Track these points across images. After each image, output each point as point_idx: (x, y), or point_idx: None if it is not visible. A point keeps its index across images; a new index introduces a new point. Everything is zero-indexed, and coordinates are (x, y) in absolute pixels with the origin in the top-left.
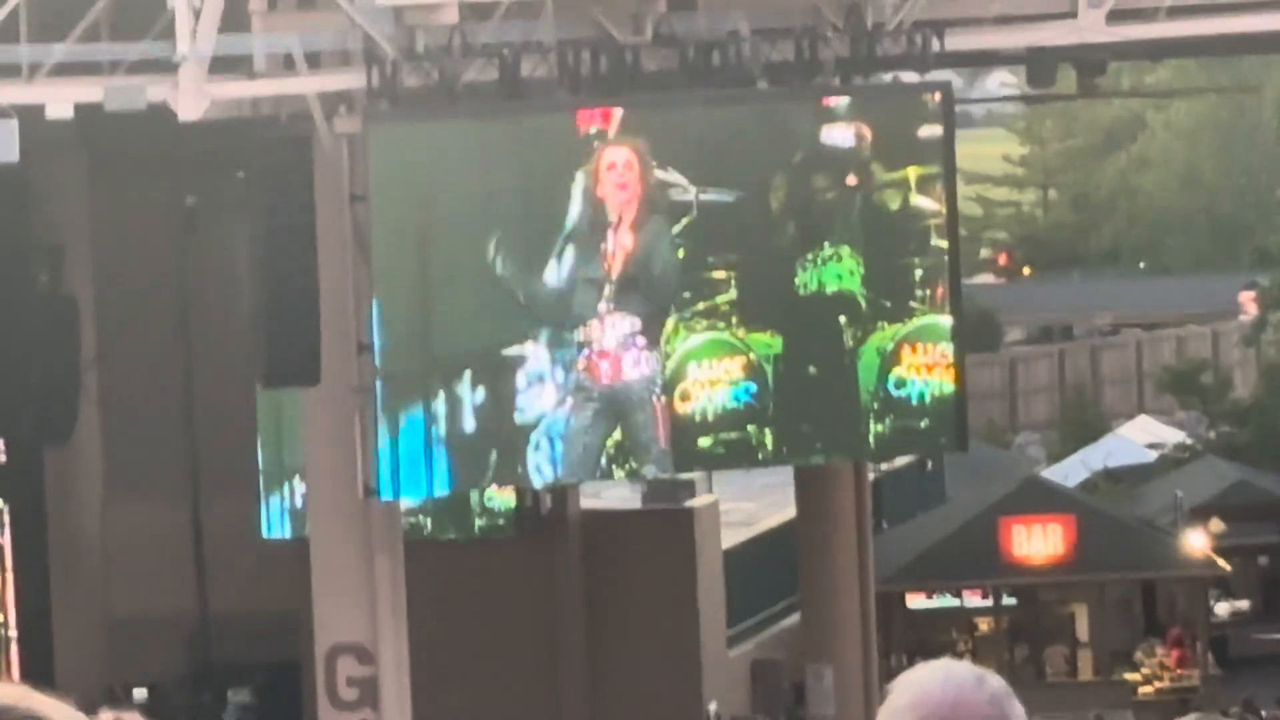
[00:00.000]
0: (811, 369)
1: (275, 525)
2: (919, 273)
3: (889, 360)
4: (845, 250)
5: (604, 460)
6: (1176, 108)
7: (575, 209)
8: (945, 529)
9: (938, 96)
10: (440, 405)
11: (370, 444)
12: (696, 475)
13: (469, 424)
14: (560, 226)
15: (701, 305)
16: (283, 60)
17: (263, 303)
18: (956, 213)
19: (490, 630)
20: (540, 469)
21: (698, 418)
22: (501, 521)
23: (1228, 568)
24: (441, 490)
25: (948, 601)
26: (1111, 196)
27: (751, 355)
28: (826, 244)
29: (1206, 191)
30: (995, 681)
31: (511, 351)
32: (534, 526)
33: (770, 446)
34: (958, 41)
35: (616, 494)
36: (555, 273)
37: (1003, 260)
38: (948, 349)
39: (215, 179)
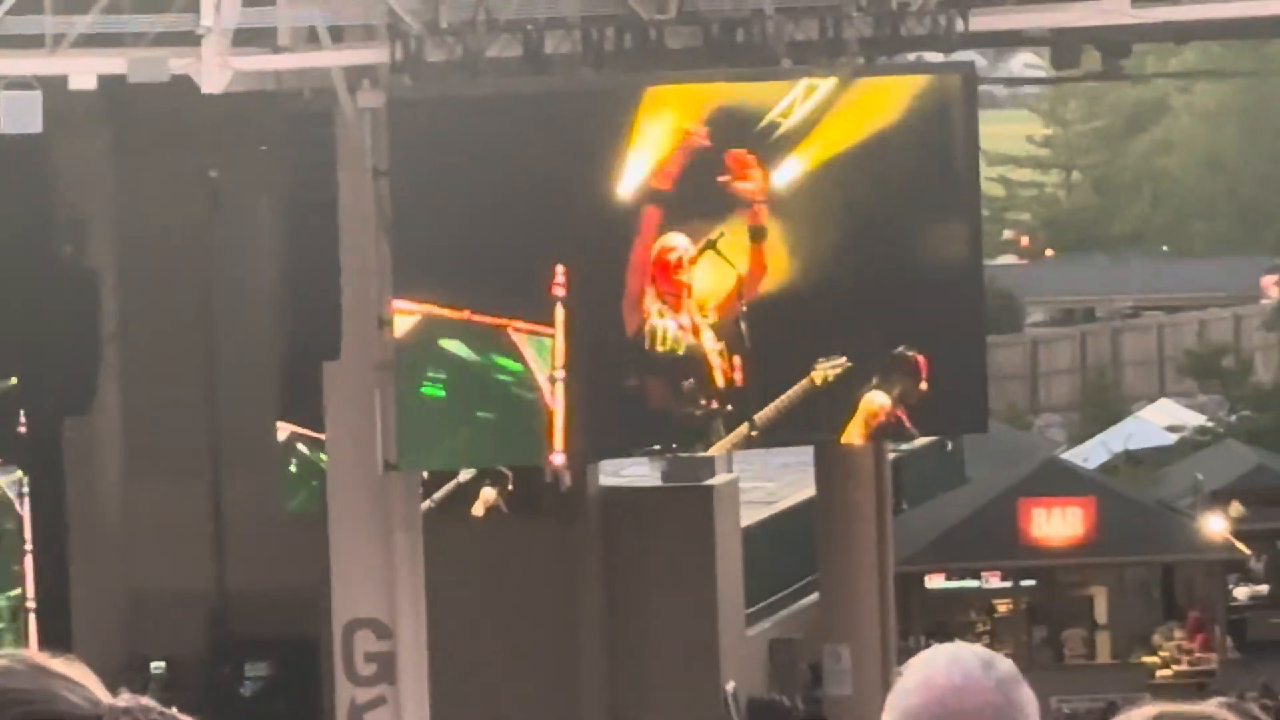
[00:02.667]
0: None
1: None
2: None
3: None
4: None
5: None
6: (1200, 90)
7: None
8: (965, 510)
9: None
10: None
11: (390, 419)
12: (716, 453)
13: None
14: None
15: None
16: (306, 33)
17: (285, 277)
18: (979, 193)
19: (509, 607)
20: None
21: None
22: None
23: (1247, 551)
24: (463, 465)
25: (967, 583)
26: (1135, 179)
27: None
28: None
29: (1230, 175)
30: (1004, 665)
31: None
32: (553, 503)
33: None
34: (982, 22)
35: (636, 471)
36: None
37: (1025, 242)
38: None
39: (238, 153)
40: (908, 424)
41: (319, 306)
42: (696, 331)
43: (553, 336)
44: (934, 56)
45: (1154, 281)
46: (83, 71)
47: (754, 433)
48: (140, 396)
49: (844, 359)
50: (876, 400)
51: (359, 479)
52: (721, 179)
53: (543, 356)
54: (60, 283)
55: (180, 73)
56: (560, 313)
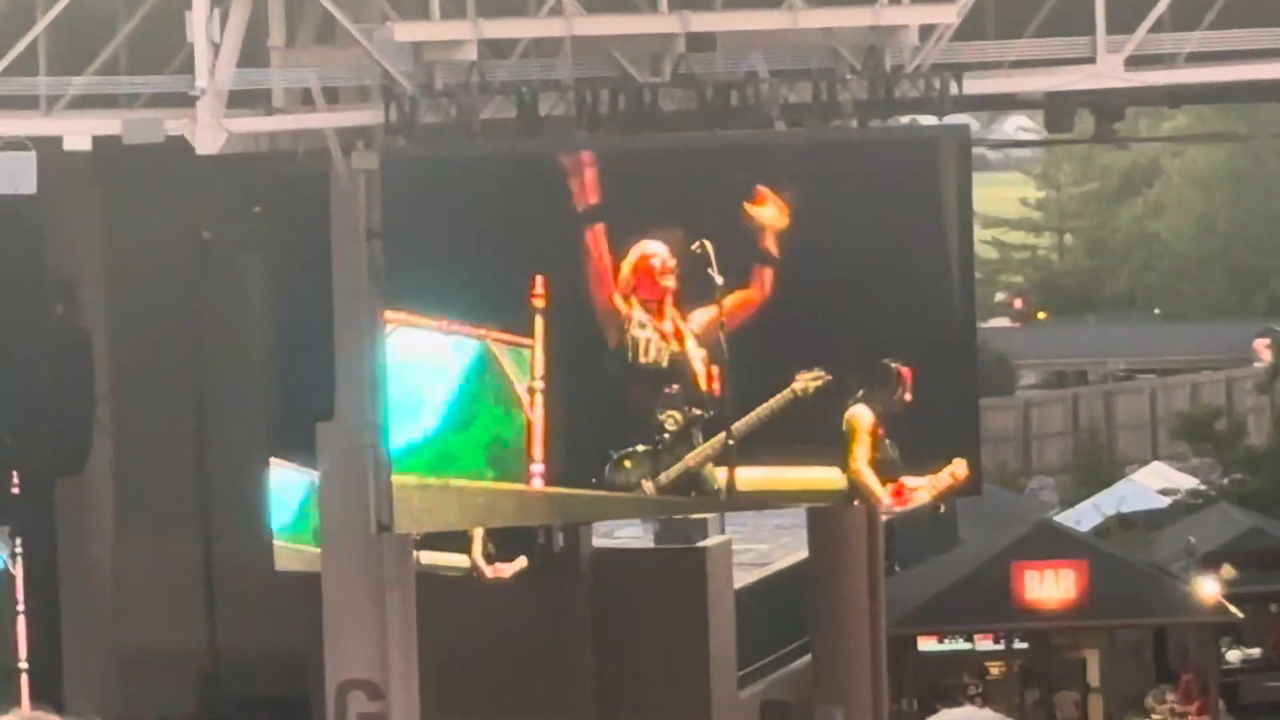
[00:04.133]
0: None
1: None
2: None
3: None
4: None
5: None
6: (1193, 154)
7: None
8: (957, 572)
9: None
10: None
11: (382, 479)
12: (709, 515)
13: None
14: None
15: None
16: (301, 95)
17: (277, 337)
18: (973, 256)
19: (501, 667)
20: None
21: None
22: None
23: (1239, 615)
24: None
25: (959, 645)
26: (1127, 242)
27: None
28: None
29: (1222, 238)
30: None
31: None
32: (546, 564)
33: None
34: (976, 85)
35: (628, 532)
36: None
37: (1018, 304)
38: None
39: (232, 213)
40: (890, 443)
41: (312, 366)
42: (680, 338)
43: (531, 348)
44: (928, 119)
45: (1146, 344)
46: (77, 132)
47: (731, 441)
48: (132, 456)
49: (822, 372)
50: (863, 418)
51: (352, 538)
52: (746, 204)
53: (521, 368)
54: (52, 343)
55: (175, 134)
56: (539, 324)
